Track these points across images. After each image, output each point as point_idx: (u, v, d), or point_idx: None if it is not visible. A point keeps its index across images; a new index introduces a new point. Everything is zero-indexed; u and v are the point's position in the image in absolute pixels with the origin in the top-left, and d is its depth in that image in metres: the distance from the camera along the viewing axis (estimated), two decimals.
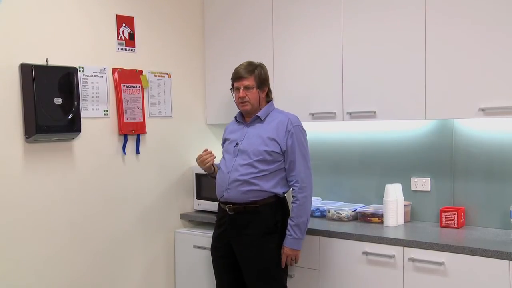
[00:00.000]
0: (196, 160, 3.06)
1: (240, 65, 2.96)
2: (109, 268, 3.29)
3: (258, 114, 2.92)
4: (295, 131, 2.85)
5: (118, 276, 3.34)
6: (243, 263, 2.90)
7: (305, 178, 2.84)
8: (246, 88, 2.89)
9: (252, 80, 2.89)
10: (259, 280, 2.87)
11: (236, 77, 2.92)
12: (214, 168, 3.06)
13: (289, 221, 2.85)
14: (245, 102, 2.91)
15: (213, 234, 3.04)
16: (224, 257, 2.96)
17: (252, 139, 2.88)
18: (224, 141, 3.08)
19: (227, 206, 2.88)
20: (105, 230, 3.26)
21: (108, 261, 3.28)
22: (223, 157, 3.01)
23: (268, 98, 3.00)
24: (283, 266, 2.88)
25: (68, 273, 3.07)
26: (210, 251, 3.07)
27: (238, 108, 2.98)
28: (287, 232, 2.84)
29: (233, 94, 2.97)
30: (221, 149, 3.08)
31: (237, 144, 2.91)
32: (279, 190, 2.87)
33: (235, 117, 3.05)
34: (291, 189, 2.90)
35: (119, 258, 3.34)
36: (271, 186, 2.84)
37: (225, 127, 3.16)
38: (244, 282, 2.94)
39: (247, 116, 2.99)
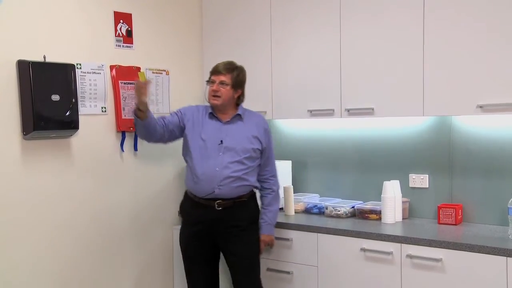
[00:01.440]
0: (135, 85, 2.87)
1: (222, 62, 3.05)
2: (107, 265, 3.29)
3: (239, 112, 3.04)
4: (268, 129, 3.11)
5: (116, 273, 3.34)
6: (231, 255, 3.00)
7: (276, 171, 3.15)
8: (221, 83, 2.98)
9: (229, 78, 2.99)
10: (248, 269, 3.01)
11: (215, 70, 3.02)
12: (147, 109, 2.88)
13: (265, 210, 3.06)
14: (217, 96, 2.97)
15: (186, 233, 3.06)
16: (203, 254, 3.03)
17: (237, 137, 2.98)
18: (184, 120, 3.01)
19: (216, 202, 2.92)
20: (103, 227, 3.25)
21: (106, 257, 3.28)
22: (194, 149, 2.96)
23: (239, 101, 3.08)
24: (261, 253, 3.07)
25: (65, 270, 3.07)
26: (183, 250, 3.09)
27: (208, 101, 3.03)
28: (263, 220, 3.04)
29: (207, 87, 3.04)
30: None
31: (221, 141, 2.95)
32: (257, 184, 3.08)
33: (210, 112, 3.02)
34: (264, 182, 3.09)
35: (117, 255, 3.34)
36: (254, 180, 3.04)
37: (186, 109, 3.08)
38: (214, 277, 3.11)
39: (219, 113, 3.02)
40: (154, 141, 3.05)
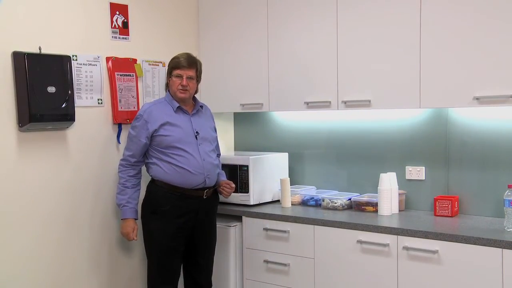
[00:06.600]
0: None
1: (182, 54, 3.08)
2: (105, 256, 3.29)
3: (200, 104, 3.18)
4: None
5: (114, 263, 3.34)
6: (204, 240, 3.16)
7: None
8: (189, 78, 3.03)
9: (194, 72, 3.06)
10: (213, 250, 3.25)
11: (181, 65, 3.02)
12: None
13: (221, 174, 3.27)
14: (186, 90, 3.03)
15: (169, 226, 3.00)
16: (181, 245, 3.08)
17: (205, 127, 3.14)
18: (161, 125, 2.99)
19: (205, 191, 3.05)
20: (99, 218, 3.25)
21: (102, 249, 3.28)
22: (178, 144, 2.99)
23: (195, 92, 3.18)
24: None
25: (61, 262, 3.07)
26: (163, 243, 3.04)
27: (174, 94, 3.04)
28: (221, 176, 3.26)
29: (170, 79, 3.06)
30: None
31: (197, 133, 3.05)
32: None
33: (179, 106, 3.05)
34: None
35: (115, 246, 3.34)
36: None
37: (149, 110, 3.02)
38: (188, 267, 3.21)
39: (184, 105, 3.08)
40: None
